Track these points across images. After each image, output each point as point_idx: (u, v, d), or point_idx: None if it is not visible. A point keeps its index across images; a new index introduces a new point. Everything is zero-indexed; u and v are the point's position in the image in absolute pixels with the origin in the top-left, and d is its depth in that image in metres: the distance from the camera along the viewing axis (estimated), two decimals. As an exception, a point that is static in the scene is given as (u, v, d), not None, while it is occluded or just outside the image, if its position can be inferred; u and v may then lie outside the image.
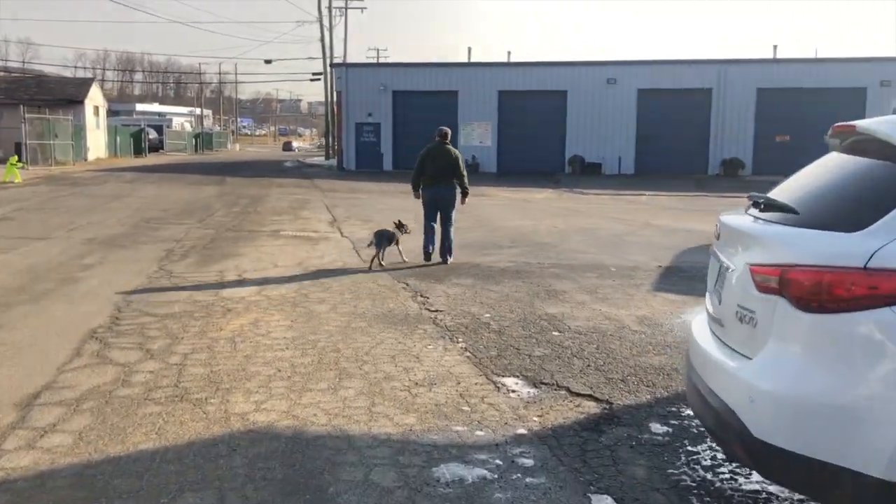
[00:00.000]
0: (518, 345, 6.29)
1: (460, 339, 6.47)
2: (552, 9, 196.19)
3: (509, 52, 45.67)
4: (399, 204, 20.43)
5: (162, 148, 60.70)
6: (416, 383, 5.32)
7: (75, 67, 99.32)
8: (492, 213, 18.27)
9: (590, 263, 10.51)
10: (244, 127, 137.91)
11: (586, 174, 36.71)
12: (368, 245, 10.58)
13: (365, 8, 59.32)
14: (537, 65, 38.93)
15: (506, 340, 6.42)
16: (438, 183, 10.71)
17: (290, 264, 10.44)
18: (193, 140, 69.33)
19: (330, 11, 53.57)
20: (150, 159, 49.27)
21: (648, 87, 37.34)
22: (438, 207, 10.81)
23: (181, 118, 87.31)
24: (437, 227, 10.84)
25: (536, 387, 5.27)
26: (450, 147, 10.80)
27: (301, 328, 6.85)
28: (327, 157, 49.83)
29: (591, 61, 38.36)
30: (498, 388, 5.24)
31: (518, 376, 5.49)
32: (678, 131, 37.19)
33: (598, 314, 7.39)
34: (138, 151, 52.30)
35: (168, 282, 9.07)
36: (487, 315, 7.36)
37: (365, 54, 71.49)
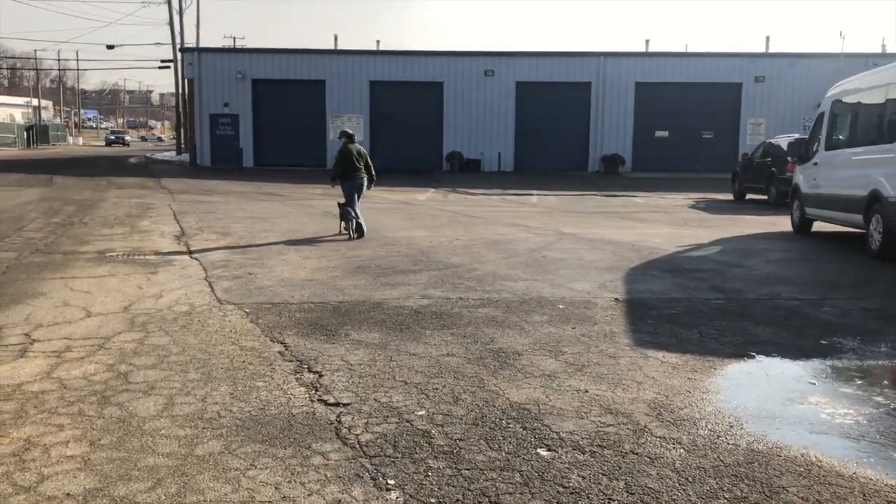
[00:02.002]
0: (495, 490, 3.64)
1: (391, 481, 3.74)
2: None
3: (378, 41, 42.72)
4: (264, 209, 17.31)
5: (-14, 142, 53.59)
6: None
7: None
8: (376, 220, 15.52)
9: (527, 297, 8.01)
10: (89, 119, 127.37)
11: (465, 171, 34.64)
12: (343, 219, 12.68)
13: (219, -10, 54.72)
14: (411, 54, 36.40)
15: (469, 480, 3.75)
16: (361, 174, 13.12)
17: (111, 310, 7.30)
18: (25, 133, 62.05)
19: (180, -8, 48.70)
20: (-31, 155, 42.98)
21: (528, 80, 35.71)
22: (359, 194, 13.10)
23: (13, 109, 78.83)
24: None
25: None
26: (359, 145, 13.38)
27: (105, 465, 3.90)
28: (179, 153, 45.19)
29: (467, 51, 36.28)
30: None
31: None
32: (558, 126, 35.81)
33: (589, 402, 4.84)
34: (-46, 146, 45.61)
35: None
36: (421, 412, 4.65)
37: (221, 42, 65.84)
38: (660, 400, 4.88)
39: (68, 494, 3.58)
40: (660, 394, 5.00)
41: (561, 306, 7.59)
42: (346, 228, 12.82)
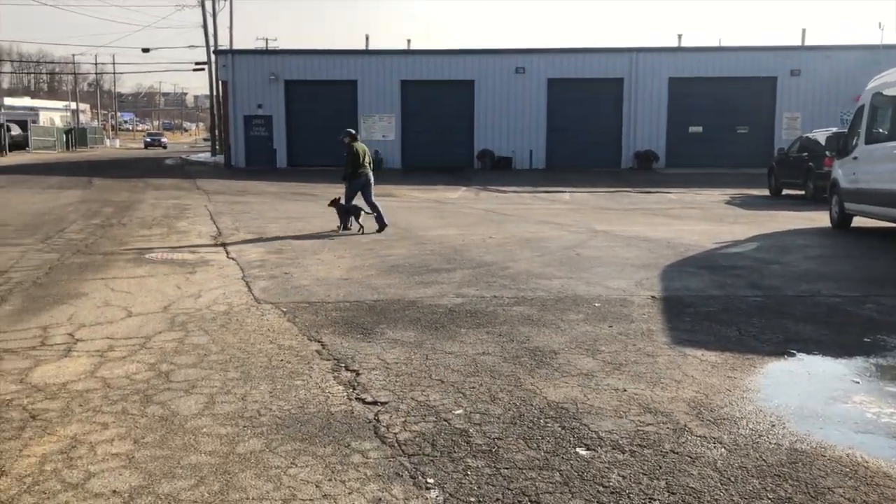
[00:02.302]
0: (535, 490, 3.63)
1: (430, 479, 3.75)
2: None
3: (409, 41, 42.81)
4: (299, 209, 17.46)
5: (27, 146, 54.59)
6: None
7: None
8: (408, 219, 15.58)
9: (562, 295, 7.97)
10: (126, 122, 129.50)
11: (497, 169, 34.58)
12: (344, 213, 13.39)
13: (252, -7, 55.25)
14: (442, 53, 36.41)
15: (509, 479, 3.74)
16: (366, 171, 13.80)
17: (151, 310, 7.41)
18: (64, 136, 63.15)
19: (213, -5, 49.26)
20: (10, 158, 43.89)
21: (559, 77, 35.53)
22: (367, 189, 13.73)
23: (54, 113, 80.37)
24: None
25: None
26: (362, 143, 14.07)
27: (149, 462, 3.96)
28: (214, 154, 45.74)
29: (498, 49, 36.21)
30: None
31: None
32: (590, 123, 35.59)
33: (628, 401, 4.81)
34: (-3, 150, 46.57)
35: (-47, 354, 5.92)
36: (459, 411, 4.65)
37: (254, 44, 66.97)
38: (699, 399, 4.83)
39: (114, 491, 3.64)
40: (699, 392, 4.95)
41: (597, 304, 7.55)
42: (348, 224, 13.43)
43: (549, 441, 4.18)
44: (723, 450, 4.06)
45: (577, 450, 4.07)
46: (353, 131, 14.10)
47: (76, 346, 6.16)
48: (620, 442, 4.16)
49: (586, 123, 35.47)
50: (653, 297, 7.93)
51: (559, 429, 4.35)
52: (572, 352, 5.90)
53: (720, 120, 35.26)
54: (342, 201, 13.53)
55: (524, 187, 25.78)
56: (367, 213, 13.35)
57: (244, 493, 3.61)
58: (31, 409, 4.73)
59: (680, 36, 40.49)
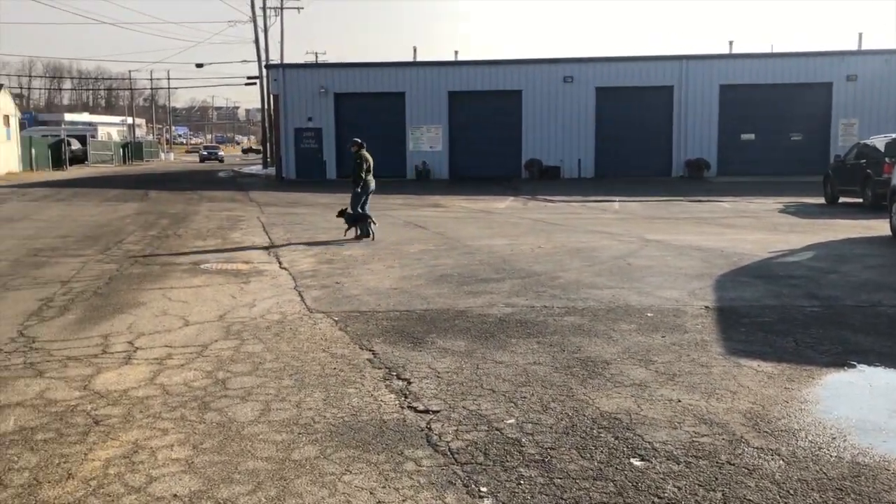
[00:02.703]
0: (588, 500, 3.61)
1: (483, 488, 3.76)
2: (501, 6, 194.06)
3: (456, 52, 43.12)
4: (348, 220, 17.60)
5: (86, 159, 56.30)
6: None
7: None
8: (456, 229, 15.62)
9: (613, 305, 7.91)
10: (180, 136, 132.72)
11: (545, 179, 34.45)
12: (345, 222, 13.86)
13: (301, 8, 56.45)
14: (489, 63, 36.47)
15: (562, 489, 3.73)
16: (372, 179, 14.32)
17: (207, 319, 7.58)
18: (121, 150, 64.97)
19: (265, 12, 50.34)
20: (71, 172, 45.29)
21: (607, 85, 35.28)
22: (368, 197, 14.23)
23: (110, 128, 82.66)
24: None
25: None
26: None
27: (208, 468, 4.05)
28: (265, 166, 46.54)
29: (546, 59, 36.08)
30: None
31: None
32: (639, 131, 35.23)
33: (682, 411, 4.75)
34: (58, 164, 48.14)
35: (21, 361, 6.14)
36: (510, 420, 4.66)
37: (303, 58, 68.26)
38: (756, 410, 4.75)
39: (175, 495, 3.74)
40: (755, 404, 4.87)
41: (649, 314, 7.47)
42: (360, 232, 13.80)
43: (602, 451, 4.16)
44: (781, 462, 3.99)
45: (631, 460, 4.04)
46: (360, 140, 14.36)
47: (136, 353, 6.33)
48: (675, 453, 4.12)
49: (635, 132, 35.14)
50: (706, 307, 7.81)
51: (612, 439, 4.33)
52: (625, 362, 5.86)
53: (773, 127, 34.60)
54: (349, 210, 13.94)
55: (573, 196, 25.64)
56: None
57: (300, 499, 3.67)
58: (95, 415, 4.88)
59: (731, 42, 40.02)
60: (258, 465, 4.07)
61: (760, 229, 15.37)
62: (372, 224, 13.81)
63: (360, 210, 13.93)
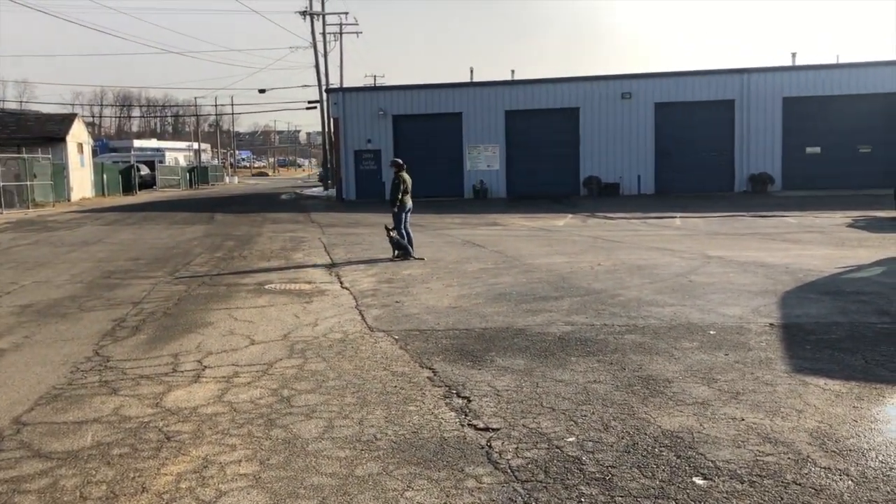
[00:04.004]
0: (650, 518, 3.60)
1: (544, 505, 3.78)
2: (557, 25, 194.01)
3: (513, 71, 43.29)
4: (407, 240, 17.79)
5: (154, 184, 58.17)
6: None
7: (72, 105, 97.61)
8: (515, 247, 15.63)
9: (675, 323, 7.83)
10: (243, 159, 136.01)
11: (604, 196, 34.18)
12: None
13: (360, 32, 57.39)
14: (546, 81, 36.46)
15: (624, 506, 3.73)
16: (409, 200, 14.57)
17: (272, 338, 7.77)
18: (188, 175, 66.89)
19: (324, 37, 51.38)
20: (140, 197, 46.83)
21: (666, 101, 34.86)
22: (408, 217, 14.51)
23: (178, 153, 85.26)
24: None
25: None
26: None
27: (274, 483, 4.17)
28: (326, 188, 47.32)
29: (603, 75, 35.90)
30: None
31: None
32: (700, 146, 34.69)
33: (746, 430, 4.69)
34: (128, 189, 49.83)
35: (97, 379, 6.40)
36: (571, 439, 4.66)
37: (362, 81, 70.00)
38: (823, 429, 4.65)
39: (244, 509, 3.86)
40: (822, 423, 4.76)
41: (712, 332, 7.37)
42: (402, 252, 14.13)
43: (664, 470, 4.13)
44: (850, 482, 3.90)
45: (694, 479, 4.00)
46: (401, 161, 14.64)
47: (204, 372, 6.54)
48: (739, 472, 4.07)
49: (696, 147, 34.64)
50: (771, 324, 7.66)
51: (674, 458, 4.29)
52: (687, 380, 5.79)
53: (840, 140, 33.66)
54: (392, 229, 14.26)
55: (633, 213, 25.37)
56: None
57: (364, 514, 3.75)
58: (166, 431, 5.07)
59: (794, 54, 39.02)
60: (323, 481, 4.17)
61: (827, 244, 14.97)
62: (410, 246, 14.24)
63: (403, 232, 14.28)
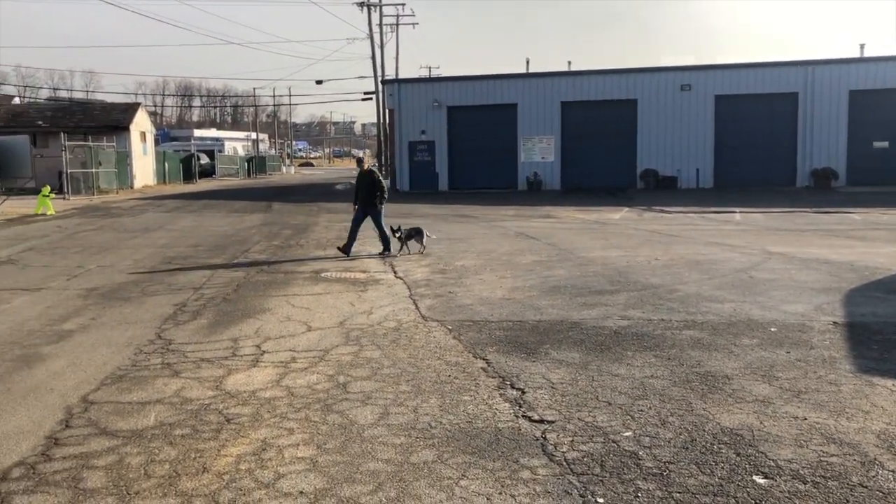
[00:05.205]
0: (709, 515, 3.54)
1: (600, 499, 3.75)
2: (615, 15, 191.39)
3: (569, 62, 42.92)
4: (460, 231, 17.84)
5: (214, 173, 59.33)
6: None
7: (135, 94, 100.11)
8: (569, 240, 15.51)
9: (734, 319, 7.67)
10: (299, 150, 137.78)
11: (661, 189, 33.65)
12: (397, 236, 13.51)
13: (416, 24, 57.44)
14: (603, 73, 36.01)
15: (682, 503, 3.67)
16: None
17: (328, 325, 7.87)
18: (246, 164, 68.05)
19: (381, 28, 51.62)
20: (200, 185, 47.82)
21: (727, 93, 34.11)
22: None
23: (236, 143, 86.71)
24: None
25: None
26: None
27: (331, 467, 4.23)
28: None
29: (663, 67, 35.33)
30: None
31: None
32: (761, 140, 33.89)
33: (809, 429, 4.57)
34: (188, 177, 50.93)
35: (159, 361, 6.57)
36: (627, 434, 4.61)
37: (417, 72, 70.19)
38: (891, 431, 4.51)
39: (301, 492, 3.92)
40: (891, 424, 4.62)
41: (773, 329, 7.20)
42: (405, 246, 13.65)
43: (723, 467, 4.06)
44: (919, 487, 3.77)
45: (754, 478, 3.93)
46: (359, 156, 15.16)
47: (263, 357, 6.66)
48: (801, 472, 3.97)
49: (757, 141, 33.84)
50: (835, 322, 7.46)
51: (734, 455, 4.22)
52: (747, 377, 5.68)
53: (909, 134, 32.51)
54: (382, 228, 13.73)
55: (690, 207, 24.92)
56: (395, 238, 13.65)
57: (419, 501, 3.78)
58: (226, 414, 5.18)
59: (862, 45, 37.72)
60: (378, 467, 4.21)
61: (895, 242, 14.48)
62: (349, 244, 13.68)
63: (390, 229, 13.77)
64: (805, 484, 3.83)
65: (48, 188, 24.77)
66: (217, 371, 6.22)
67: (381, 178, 14.27)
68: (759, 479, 3.90)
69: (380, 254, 13.65)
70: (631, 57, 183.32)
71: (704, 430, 4.60)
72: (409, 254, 13.56)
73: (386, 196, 14.04)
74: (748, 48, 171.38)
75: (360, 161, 14.97)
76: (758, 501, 3.66)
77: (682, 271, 10.99)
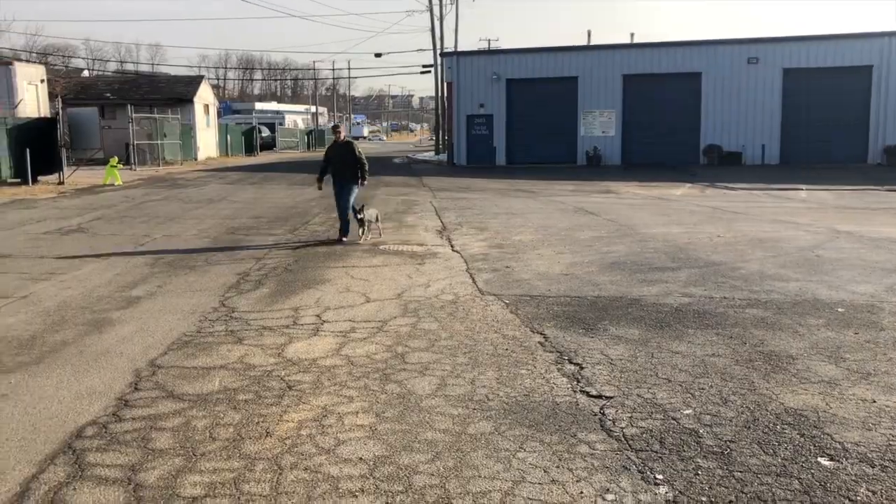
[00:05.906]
0: (771, 496, 3.48)
1: (659, 476, 3.72)
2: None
3: (632, 34, 42.01)
4: (518, 205, 17.74)
5: (274, 146, 60.15)
6: None
7: (199, 68, 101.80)
8: (629, 216, 15.29)
9: (800, 298, 7.48)
10: (358, 123, 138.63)
11: (725, 165, 32.85)
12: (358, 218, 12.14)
13: (476, -5, 56.75)
14: (667, 45, 35.18)
15: (742, 482, 3.62)
16: None
17: (386, 297, 7.95)
18: (306, 137, 68.80)
19: (441, 0, 51.32)
20: (261, 157, 48.55)
21: (796, 67, 33.00)
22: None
23: (296, 116, 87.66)
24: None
25: None
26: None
27: (390, 436, 4.29)
28: (437, 153, 47.65)
29: (729, 39, 34.31)
30: None
31: None
32: (832, 115, 32.74)
33: (878, 412, 4.45)
34: (250, 150, 51.73)
35: (223, 328, 6.74)
36: (688, 411, 4.56)
37: (476, 45, 69.72)
38: (966, 417, 4.36)
39: (361, 459, 3.99)
40: (966, 410, 4.46)
41: (840, 309, 7.00)
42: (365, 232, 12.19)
43: (786, 448, 3.98)
44: None
45: (819, 459, 3.84)
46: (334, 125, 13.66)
47: (323, 326, 6.77)
48: (869, 455, 3.87)
49: (827, 115, 32.69)
50: (907, 304, 7.21)
51: (798, 436, 4.13)
52: (812, 358, 5.54)
53: None
54: (348, 209, 12.29)
55: (755, 184, 24.29)
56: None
57: (476, 472, 3.81)
58: (288, 381, 5.29)
59: (944, 15, 35.93)
60: (436, 437, 4.25)
61: (974, 222, 13.89)
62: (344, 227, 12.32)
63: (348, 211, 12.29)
64: (873, 467, 3.73)
65: (116, 159, 25.46)
66: (279, 339, 6.35)
67: (362, 151, 12.58)
68: (824, 461, 3.81)
69: (338, 240, 12.07)
70: (695, 29, 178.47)
71: (767, 410, 4.52)
72: (368, 239, 12.16)
73: (367, 176, 12.58)
74: (818, 20, 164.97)
75: (335, 129, 13.09)
76: (822, 483, 3.58)
77: (746, 249, 10.74)
